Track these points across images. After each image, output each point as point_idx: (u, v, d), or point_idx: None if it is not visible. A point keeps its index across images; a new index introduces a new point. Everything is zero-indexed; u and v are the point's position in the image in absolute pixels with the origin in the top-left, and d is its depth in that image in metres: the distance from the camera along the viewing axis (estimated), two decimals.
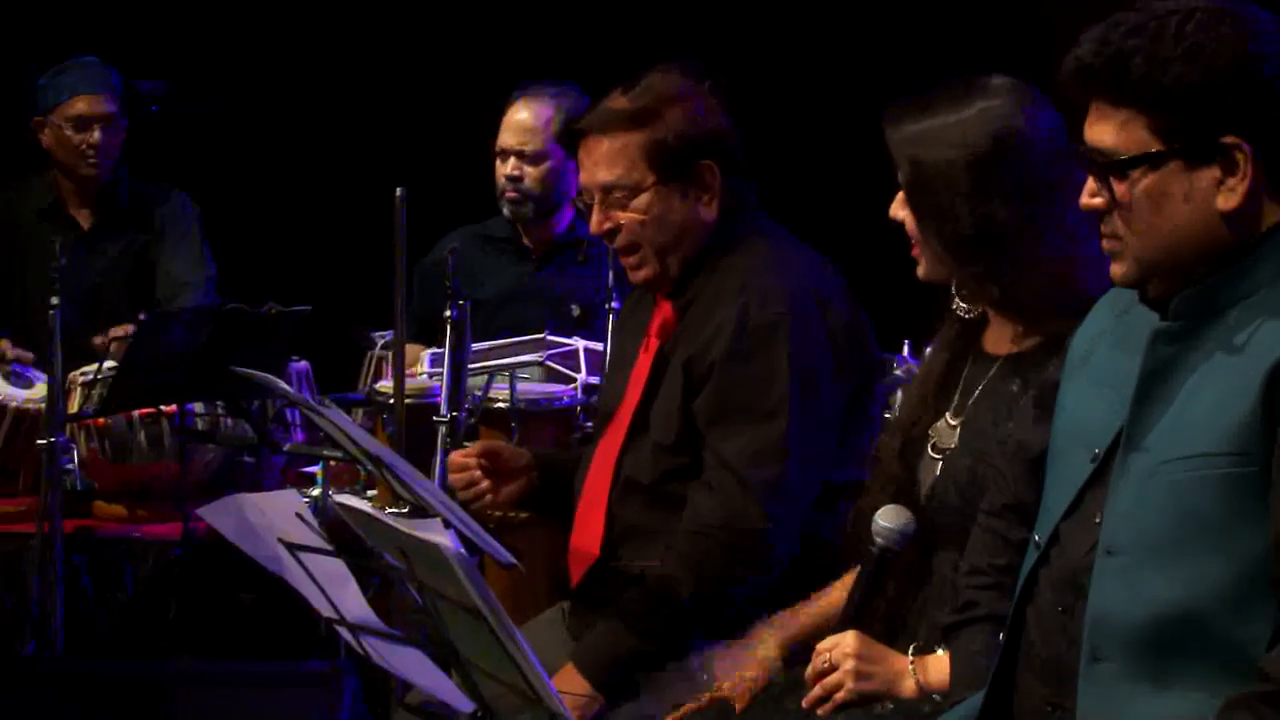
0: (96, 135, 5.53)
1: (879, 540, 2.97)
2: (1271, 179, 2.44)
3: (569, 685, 3.43)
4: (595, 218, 3.63)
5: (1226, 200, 2.44)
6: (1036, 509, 2.66)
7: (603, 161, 3.58)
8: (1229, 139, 2.42)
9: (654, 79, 3.60)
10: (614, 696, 3.45)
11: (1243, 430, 2.39)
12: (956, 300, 3.04)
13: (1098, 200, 2.50)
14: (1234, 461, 2.39)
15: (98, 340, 5.18)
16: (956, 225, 2.93)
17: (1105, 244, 2.52)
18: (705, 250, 3.60)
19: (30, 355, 5.27)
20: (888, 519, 2.97)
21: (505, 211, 5.44)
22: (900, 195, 3.02)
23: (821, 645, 2.97)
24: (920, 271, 3.04)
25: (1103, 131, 2.48)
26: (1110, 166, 2.47)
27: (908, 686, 2.91)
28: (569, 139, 3.69)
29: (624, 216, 3.59)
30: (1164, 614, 2.42)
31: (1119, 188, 2.47)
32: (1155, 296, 2.51)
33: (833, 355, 3.51)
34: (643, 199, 3.58)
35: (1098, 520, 2.51)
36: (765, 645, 3.25)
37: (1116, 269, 2.53)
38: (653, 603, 3.44)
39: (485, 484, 3.78)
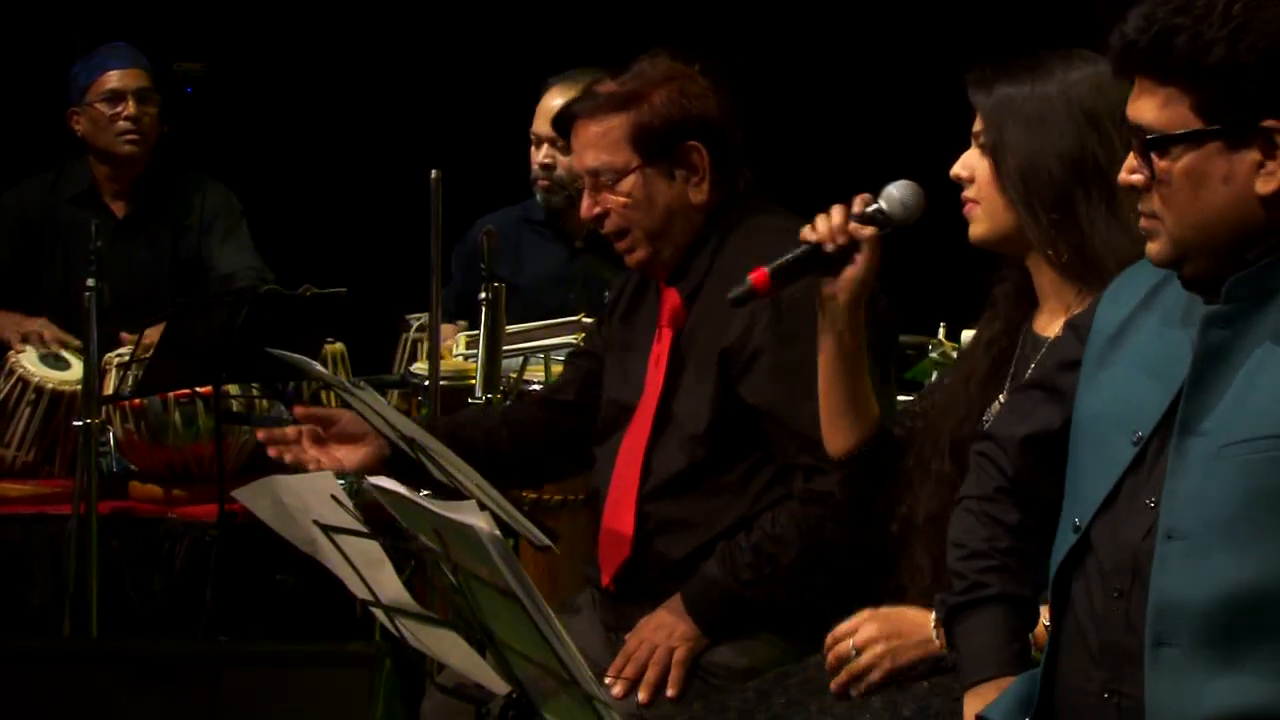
0: (132, 106, 5.46)
1: (881, 202, 3.02)
2: None
3: (671, 625, 3.47)
4: (585, 202, 3.63)
5: (1265, 184, 2.42)
6: (1041, 493, 2.66)
7: (590, 145, 3.58)
8: (1269, 122, 2.40)
9: (643, 64, 3.59)
10: (718, 638, 3.49)
11: None
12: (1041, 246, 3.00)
13: (1137, 177, 2.49)
14: None
15: (125, 336, 5.13)
16: (1039, 169, 2.92)
17: (1143, 223, 2.51)
18: (704, 234, 3.59)
19: (75, 341, 5.27)
20: (900, 190, 3.02)
21: (539, 199, 5.42)
22: (966, 155, 3.00)
23: (840, 630, 2.97)
24: (974, 230, 3.02)
25: (1145, 108, 2.46)
26: (1151, 143, 2.46)
27: (938, 644, 2.91)
28: (561, 124, 3.67)
29: (611, 200, 3.58)
30: (1236, 596, 2.39)
31: (1159, 165, 2.45)
32: (1190, 276, 2.50)
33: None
34: (628, 182, 3.56)
35: (1150, 504, 2.48)
36: None
37: (1153, 247, 2.51)
38: (758, 557, 3.45)
39: (304, 449, 3.68)
